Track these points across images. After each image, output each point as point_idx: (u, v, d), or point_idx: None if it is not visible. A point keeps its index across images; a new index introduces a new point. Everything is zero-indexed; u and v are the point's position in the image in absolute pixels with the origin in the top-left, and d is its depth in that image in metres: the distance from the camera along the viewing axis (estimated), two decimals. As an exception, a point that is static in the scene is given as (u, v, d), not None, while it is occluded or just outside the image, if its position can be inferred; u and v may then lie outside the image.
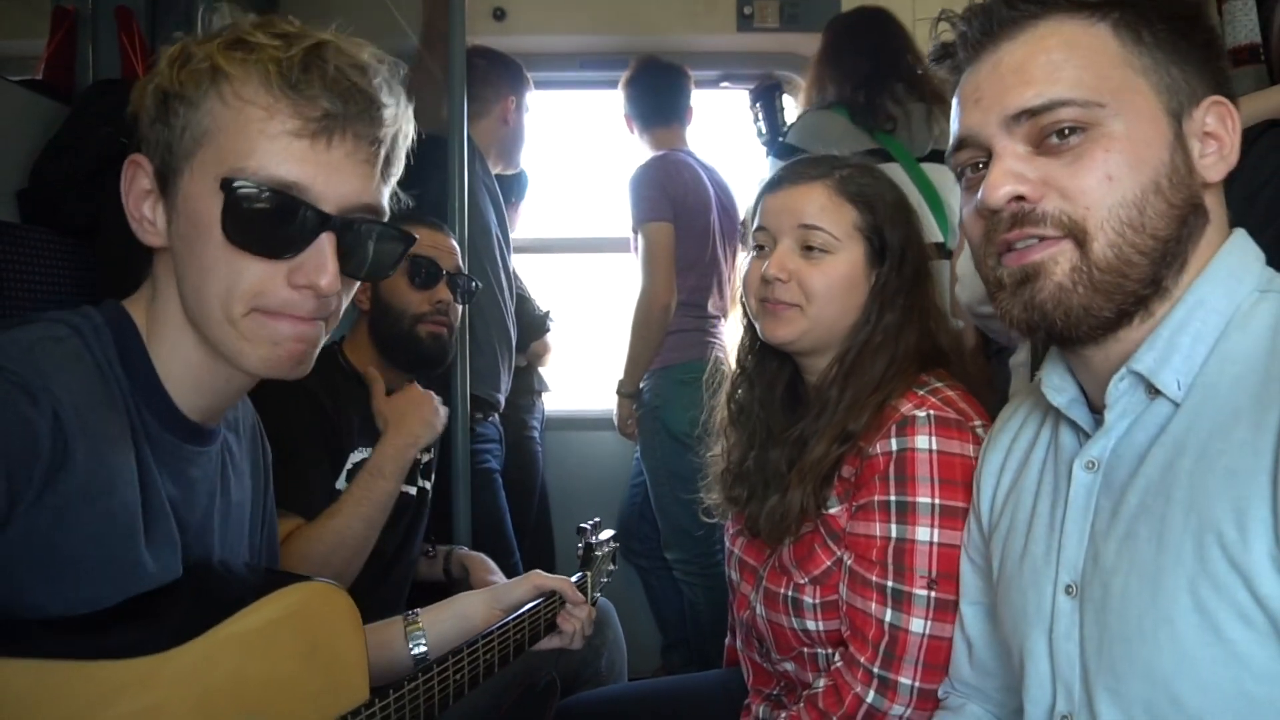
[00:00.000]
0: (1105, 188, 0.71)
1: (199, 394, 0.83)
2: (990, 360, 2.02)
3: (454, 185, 1.83)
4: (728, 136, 2.92)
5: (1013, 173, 0.74)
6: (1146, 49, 0.73)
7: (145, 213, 0.81)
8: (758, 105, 2.51)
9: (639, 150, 2.57)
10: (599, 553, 1.38)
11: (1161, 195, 0.72)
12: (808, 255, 1.15)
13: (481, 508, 1.94)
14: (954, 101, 0.81)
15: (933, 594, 1.02)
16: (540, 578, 1.23)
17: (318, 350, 0.83)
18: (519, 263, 2.52)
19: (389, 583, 1.59)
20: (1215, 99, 0.74)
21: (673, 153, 2.47)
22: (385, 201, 0.84)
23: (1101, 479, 0.77)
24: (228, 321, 0.77)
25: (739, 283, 1.28)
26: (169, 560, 0.80)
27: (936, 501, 1.03)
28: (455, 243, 1.72)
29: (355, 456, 1.53)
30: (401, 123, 0.82)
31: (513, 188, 2.60)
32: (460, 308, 1.70)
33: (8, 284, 1.39)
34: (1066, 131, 0.72)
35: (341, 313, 0.85)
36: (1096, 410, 0.80)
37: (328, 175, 0.77)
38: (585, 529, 1.39)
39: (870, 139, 2.02)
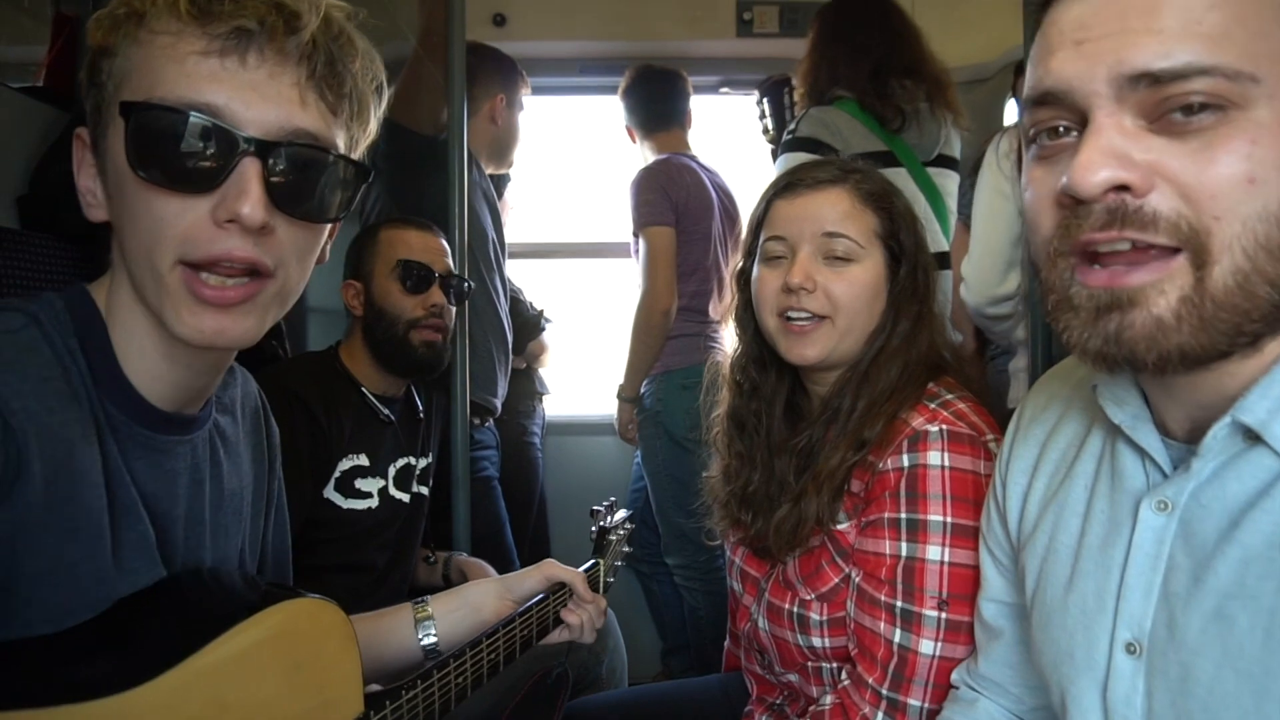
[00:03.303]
0: (1244, 192, 0.53)
1: (160, 381, 0.77)
2: (988, 365, 2.02)
3: (453, 190, 1.82)
4: (728, 141, 2.92)
5: (1115, 153, 0.55)
6: None
7: (88, 184, 0.75)
8: (765, 102, 2.48)
9: (641, 157, 2.55)
10: (613, 536, 1.34)
11: None
12: (831, 264, 1.11)
13: (480, 516, 1.93)
14: (1039, 37, 0.62)
15: (943, 615, 0.99)
16: (552, 568, 1.20)
17: (266, 317, 0.75)
18: (517, 267, 2.51)
19: (383, 593, 1.58)
20: None
21: (675, 156, 2.46)
22: (338, 136, 0.76)
23: (1178, 526, 0.64)
24: (154, 279, 0.70)
25: (734, 292, 1.24)
26: (141, 563, 0.75)
27: (949, 520, 1.00)
28: (445, 243, 1.71)
29: (344, 464, 1.53)
30: (344, 49, 0.74)
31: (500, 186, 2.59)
32: (454, 309, 1.70)
33: (7, 289, 1.38)
34: (1197, 107, 0.54)
35: (300, 277, 0.77)
36: (1167, 433, 0.66)
37: (245, 95, 0.69)
38: (599, 510, 1.35)
39: (879, 139, 1.99)
